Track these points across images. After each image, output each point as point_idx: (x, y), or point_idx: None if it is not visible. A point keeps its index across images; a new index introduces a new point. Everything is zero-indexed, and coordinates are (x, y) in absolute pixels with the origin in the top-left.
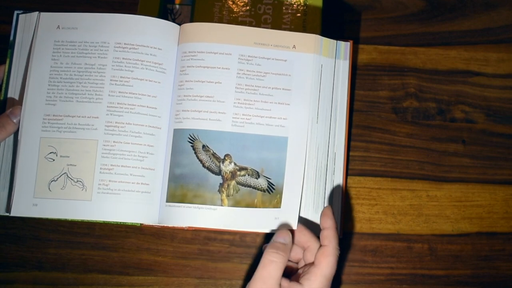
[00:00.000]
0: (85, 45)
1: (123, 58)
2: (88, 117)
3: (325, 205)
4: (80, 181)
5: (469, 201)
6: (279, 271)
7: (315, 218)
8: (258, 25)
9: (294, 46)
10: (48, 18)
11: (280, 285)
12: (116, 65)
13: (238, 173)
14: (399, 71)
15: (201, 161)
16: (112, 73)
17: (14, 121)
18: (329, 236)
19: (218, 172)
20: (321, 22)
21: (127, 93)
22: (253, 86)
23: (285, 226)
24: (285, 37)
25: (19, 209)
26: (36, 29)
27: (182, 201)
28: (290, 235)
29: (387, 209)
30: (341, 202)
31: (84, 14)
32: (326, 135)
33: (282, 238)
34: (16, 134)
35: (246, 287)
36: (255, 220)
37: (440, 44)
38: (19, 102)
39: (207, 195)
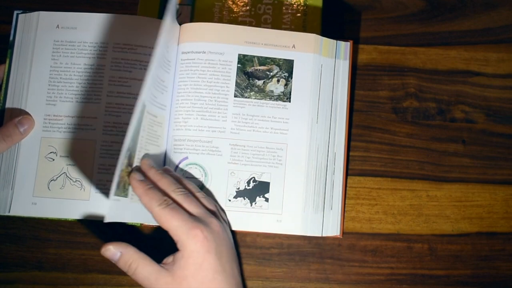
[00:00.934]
0: (84, 45)
1: (121, 59)
2: (87, 117)
3: (325, 205)
4: (79, 181)
5: (469, 201)
6: (143, 273)
7: (315, 218)
8: (258, 25)
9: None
10: (48, 18)
11: (162, 267)
12: (114, 65)
13: None
14: (399, 71)
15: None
16: (111, 73)
17: (21, 130)
18: (143, 201)
19: None
20: (321, 22)
21: (125, 93)
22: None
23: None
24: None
25: (18, 208)
26: (36, 29)
27: None
28: (121, 248)
29: (387, 209)
30: (341, 202)
31: (83, 14)
32: (326, 135)
33: (111, 256)
34: None
35: None
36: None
37: (440, 44)
38: (19, 103)
39: None
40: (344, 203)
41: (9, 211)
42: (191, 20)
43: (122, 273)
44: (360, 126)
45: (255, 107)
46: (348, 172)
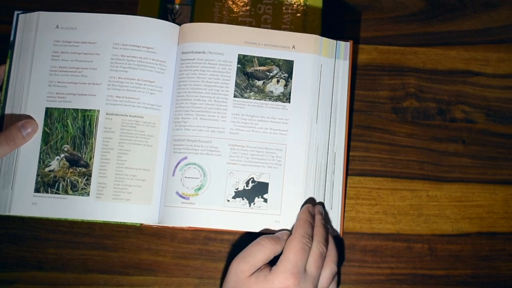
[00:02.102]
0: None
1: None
2: None
3: (325, 205)
4: (78, 181)
5: (469, 201)
6: (262, 254)
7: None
8: (258, 25)
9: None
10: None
11: (259, 267)
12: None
13: None
14: (399, 71)
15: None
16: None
17: (24, 134)
18: (296, 226)
19: None
20: (321, 22)
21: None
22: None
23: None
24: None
25: (19, 208)
26: (36, 29)
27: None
28: (288, 235)
29: (387, 209)
30: (341, 202)
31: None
32: (326, 135)
33: (280, 234)
34: None
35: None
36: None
37: (440, 44)
38: (19, 104)
39: None
40: (344, 203)
41: (9, 211)
42: (191, 20)
43: (122, 273)
44: (360, 126)
45: (254, 108)
46: (348, 172)
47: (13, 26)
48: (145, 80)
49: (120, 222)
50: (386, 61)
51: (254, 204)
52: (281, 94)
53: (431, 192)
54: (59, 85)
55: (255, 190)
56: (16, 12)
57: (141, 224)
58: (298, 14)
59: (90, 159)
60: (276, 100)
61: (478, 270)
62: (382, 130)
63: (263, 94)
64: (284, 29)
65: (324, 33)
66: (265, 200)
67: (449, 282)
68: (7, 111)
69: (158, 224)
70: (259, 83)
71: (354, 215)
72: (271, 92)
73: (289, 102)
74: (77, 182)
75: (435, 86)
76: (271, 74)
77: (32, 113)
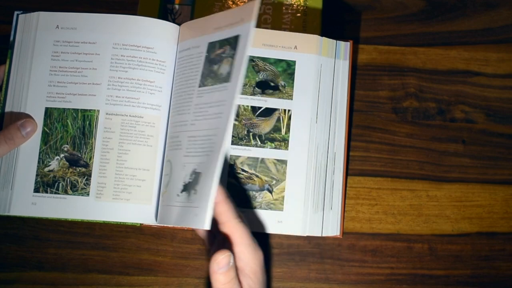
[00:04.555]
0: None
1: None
2: None
3: (324, 205)
4: (78, 181)
5: (469, 201)
6: None
7: (315, 218)
8: (258, 25)
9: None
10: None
11: None
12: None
13: None
14: (399, 71)
15: None
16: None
17: (24, 133)
18: (223, 210)
19: None
20: (321, 22)
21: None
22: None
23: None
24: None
25: (18, 208)
26: (36, 29)
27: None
28: (231, 256)
29: (387, 209)
30: (341, 202)
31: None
32: (326, 135)
33: (225, 264)
34: None
35: None
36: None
37: (440, 44)
38: (18, 104)
39: None
40: (344, 203)
41: (9, 211)
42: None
43: (122, 273)
44: (360, 126)
45: (209, 94)
46: (348, 172)
47: (13, 26)
48: (145, 80)
49: (120, 222)
50: (386, 61)
51: (189, 197)
52: (227, 74)
53: (431, 192)
54: (59, 85)
55: (194, 182)
56: (16, 12)
57: (141, 224)
58: (298, 14)
59: (90, 159)
60: (221, 82)
61: (478, 270)
62: (382, 130)
63: (216, 78)
64: (284, 29)
65: (324, 33)
66: (195, 192)
67: (449, 282)
68: (7, 110)
69: (157, 224)
70: (216, 67)
71: (354, 215)
72: (221, 74)
73: (230, 82)
74: (77, 182)
75: (435, 86)
76: (224, 55)
77: (32, 113)
